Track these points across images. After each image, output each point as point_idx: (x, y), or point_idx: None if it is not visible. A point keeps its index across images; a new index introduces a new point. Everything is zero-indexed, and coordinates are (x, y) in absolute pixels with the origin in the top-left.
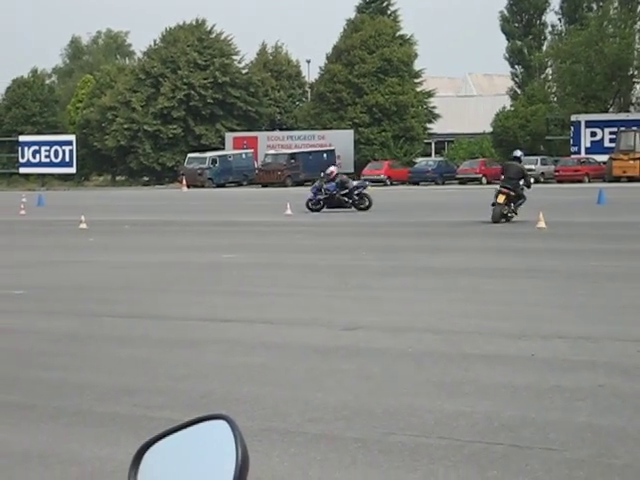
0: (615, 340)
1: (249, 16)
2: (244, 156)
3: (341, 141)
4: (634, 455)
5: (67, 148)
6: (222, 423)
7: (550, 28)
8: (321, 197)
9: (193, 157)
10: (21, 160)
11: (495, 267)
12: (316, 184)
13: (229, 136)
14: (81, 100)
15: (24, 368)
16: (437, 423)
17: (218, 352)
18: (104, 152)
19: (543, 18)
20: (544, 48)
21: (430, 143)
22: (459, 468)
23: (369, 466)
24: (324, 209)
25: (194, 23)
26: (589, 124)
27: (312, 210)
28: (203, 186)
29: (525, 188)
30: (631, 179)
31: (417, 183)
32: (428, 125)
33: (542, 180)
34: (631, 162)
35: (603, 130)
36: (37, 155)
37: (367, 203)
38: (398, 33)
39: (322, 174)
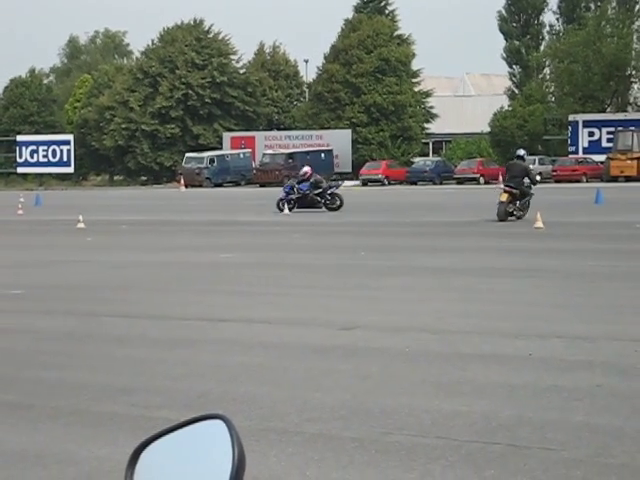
0: (612, 340)
1: (247, 16)
2: (242, 156)
3: (339, 141)
4: (631, 454)
5: (65, 148)
6: (219, 423)
7: (548, 28)
8: (293, 197)
9: (191, 157)
10: (19, 160)
11: (492, 267)
12: (288, 183)
13: (227, 136)
14: (79, 100)
15: (21, 368)
16: (434, 423)
17: (216, 352)
18: (102, 152)
19: (541, 18)
20: (542, 48)
21: (428, 143)
22: (456, 468)
23: (366, 466)
24: (295, 209)
25: (192, 23)
26: (587, 124)
27: (282, 210)
28: (201, 186)
29: (532, 186)
30: (629, 179)
31: (415, 183)
32: (426, 125)
33: (540, 180)
34: (629, 162)
35: (601, 130)
36: (35, 155)
37: (338, 203)
38: (396, 33)
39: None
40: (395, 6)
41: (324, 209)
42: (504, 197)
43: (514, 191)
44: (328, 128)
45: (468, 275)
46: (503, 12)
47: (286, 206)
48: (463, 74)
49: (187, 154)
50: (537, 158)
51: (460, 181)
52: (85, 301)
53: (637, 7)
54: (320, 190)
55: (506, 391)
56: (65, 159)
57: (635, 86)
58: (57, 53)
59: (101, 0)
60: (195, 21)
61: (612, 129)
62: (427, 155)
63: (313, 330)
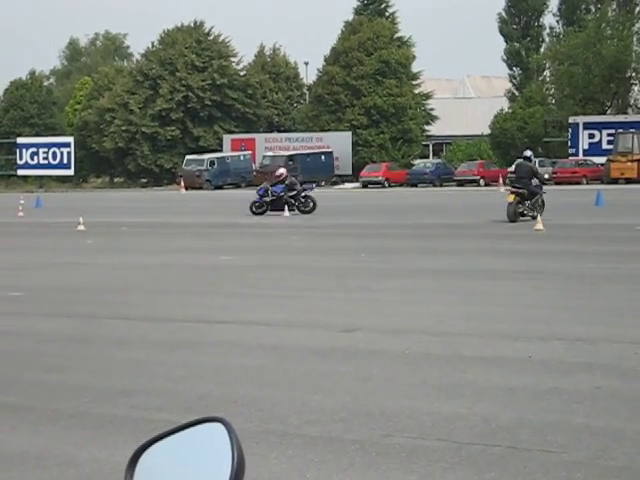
0: (612, 342)
1: (247, 18)
2: (242, 158)
3: (339, 143)
4: (631, 457)
5: (65, 150)
6: (218, 426)
7: (548, 30)
8: (267, 199)
9: (191, 159)
10: (19, 162)
11: (493, 269)
12: (262, 186)
13: (227, 138)
14: (79, 102)
15: (22, 370)
16: (435, 425)
17: (216, 354)
18: (102, 154)
19: (541, 20)
20: (542, 50)
21: (428, 145)
22: (457, 470)
23: (367, 468)
24: (268, 212)
25: (192, 25)
26: (587, 126)
27: (255, 214)
28: (201, 188)
29: (542, 186)
30: (629, 181)
31: (415, 185)
32: (426, 127)
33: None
34: (629, 164)
35: (601, 132)
36: (35, 157)
37: (311, 205)
38: (396, 35)
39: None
40: (395, 8)
41: (297, 212)
42: (511, 198)
43: (521, 191)
44: (328, 130)
45: (468, 277)
46: (503, 14)
47: (260, 209)
48: (463, 76)
49: (187, 156)
50: (537, 160)
51: (460, 183)
52: (85, 303)
53: (637, 9)
54: (294, 192)
55: (506, 393)
56: (65, 161)
57: (635, 88)
58: (57, 55)
59: (101, 2)
60: (195, 23)
61: (612, 131)
62: (427, 157)
63: (313, 332)
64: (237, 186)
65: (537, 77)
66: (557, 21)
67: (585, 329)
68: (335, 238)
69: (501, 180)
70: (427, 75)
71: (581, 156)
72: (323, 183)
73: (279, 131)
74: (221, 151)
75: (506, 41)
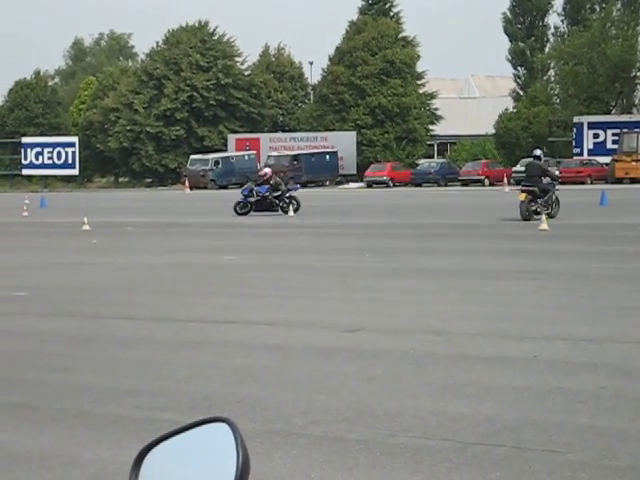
0: (617, 342)
1: (252, 18)
2: (247, 158)
3: (344, 143)
4: (636, 456)
5: (70, 150)
6: (223, 426)
7: (553, 30)
8: (252, 200)
9: (196, 159)
10: (24, 162)
11: (497, 269)
12: (247, 186)
13: (232, 138)
14: (84, 102)
15: (26, 370)
16: (439, 425)
17: (220, 354)
18: (107, 154)
19: (546, 20)
20: (547, 50)
21: (433, 145)
22: (461, 470)
23: (371, 468)
24: (251, 212)
25: (197, 25)
26: (592, 126)
27: (239, 214)
28: (206, 187)
29: (554, 183)
30: (634, 180)
31: (420, 185)
32: (431, 127)
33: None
34: (634, 163)
35: (606, 132)
36: (40, 157)
37: (295, 206)
38: (401, 35)
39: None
40: (400, 8)
41: (280, 212)
42: (522, 197)
43: (531, 189)
44: (333, 130)
45: (473, 277)
46: (508, 14)
47: (243, 210)
48: (468, 76)
49: (192, 156)
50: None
51: (465, 183)
52: (90, 303)
53: None
54: (279, 193)
55: (511, 393)
56: (70, 161)
57: None
58: (62, 55)
59: (106, 2)
60: (200, 23)
61: (617, 131)
62: (432, 157)
63: (317, 332)
64: (242, 186)
65: (542, 77)
66: (562, 21)
67: (589, 329)
68: (339, 238)
69: (506, 180)
70: (432, 75)
71: (586, 156)
72: (328, 183)
73: (284, 131)
74: (226, 151)
75: (511, 41)
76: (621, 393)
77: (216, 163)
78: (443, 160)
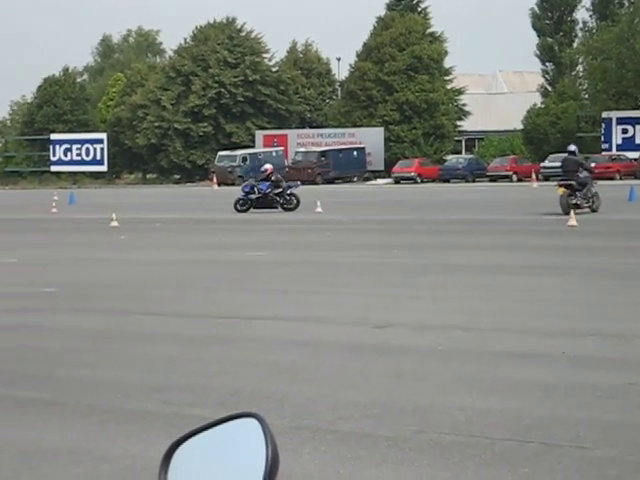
0: None
1: (279, 14)
2: (274, 154)
3: (371, 139)
4: None
5: (98, 146)
6: (252, 421)
7: (581, 25)
8: (253, 196)
9: (224, 155)
10: (53, 158)
11: (525, 265)
12: (248, 183)
13: (259, 134)
14: (112, 98)
15: (55, 366)
16: (467, 421)
17: (248, 349)
18: (135, 150)
19: (574, 15)
20: (575, 45)
21: (460, 140)
22: (490, 466)
23: (400, 464)
24: (251, 209)
25: (224, 21)
26: (620, 121)
27: (240, 211)
28: (234, 184)
29: (591, 177)
30: None
31: (447, 181)
32: (458, 122)
33: None
34: None
35: (634, 127)
36: (69, 153)
37: (295, 203)
38: (428, 30)
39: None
40: (427, 3)
41: (280, 209)
42: (561, 191)
43: (569, 183)
44: (360, 126)
45: (501, 273)
46: (536, 9)
47: (243, 207)
48: (496, 71)
49: (220, 152)
50: None
51: (493, 178)
52: (118, 299)
53: None
54: (280, 190)
55: (539, 389)
56: (98, 157)
57: None
58: (90, 52)
59: None
60: (227, 19)
61: None
62: (460, 153)
63: (346, 328)
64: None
65: (570, 72)
66: (590, 15)
67: (618, 325)
68: (367, 234)
69: (534, 175)
70: (459, 70)
71: (614, 151)
72: (355, 179)
73: (311, 127)
74: (253, 147)
75: (539, 36)
76: None
77: (244, 159)
78: (471, 156)
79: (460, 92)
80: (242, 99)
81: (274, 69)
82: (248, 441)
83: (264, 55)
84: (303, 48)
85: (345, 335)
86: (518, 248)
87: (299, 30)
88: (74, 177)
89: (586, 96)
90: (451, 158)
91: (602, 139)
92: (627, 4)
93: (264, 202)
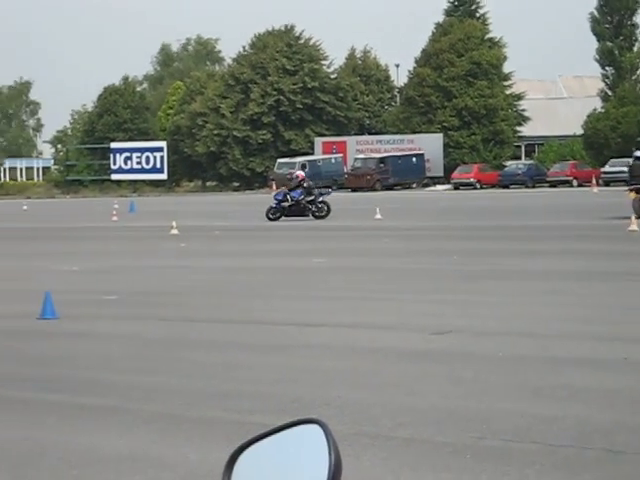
0: None
1: (338, 21)
2: (333, 161)
3: (430, 145)
4: None
5: (158, 154)
6: (315, 427)
7: None
8: (286, 205)
9: (283, 162)
10: (113, 167)
11: (587, 270)
12: (280, 191)
13: (318, 141)
14: (171, 107)
15: (117, 373)
16: (529, 427)
17: (307, 356)
18: (194, 158)
19: (634, 19)
20: (635, 49)
21: (520, 146)
22: (551, 473)
23: (461, 471)
24: (282, 218)
25: (283, 29)
26: None
27: (271, 220)
28: None
29: None
30: None
31: (507, 186)
32: (518, 128)
33: None
34: None
35: None
36: (129, 162)
37: (326, 210)
38: (487, 36)
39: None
40: (486, 9)
41: (311, 217)
42: (632, 195)
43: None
44: (419, 132)
45: (561, 279)
46: (595, 13)
47: (275, 215)
48: (555, 76)
49: (279, 159)
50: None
51: (553, 184)
52: (178, 306)
53: None
54: (312, 197)
55: (602, 395)
56: (158, 166)
57: None
58: (150, 61)
59: (193, 8)
60: (286, 27)
61: None
62: (519, 158)
63: (405, 334)
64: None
65: (630, 76)
66: None
67: None
68: (427, 240)
69: (594, 180)
70: (519, 76)
71: None
72: (414, 185)
73: (370, 133)
74: (312, 154)
75: (598, 40)
76: None
77: (303, 166)
78: (531, 161)
79: (519, 97)
80: (301, 106)
81: (333, 76)
82: (311, 447)
83: (323, 62)
84: (362, 55)
85: (404, 341)
86: (579, 253)
87: (358, 37)
88: (134, 185)
89: None
90: (511, 164)
91: None
92: None
93: (296, 210)
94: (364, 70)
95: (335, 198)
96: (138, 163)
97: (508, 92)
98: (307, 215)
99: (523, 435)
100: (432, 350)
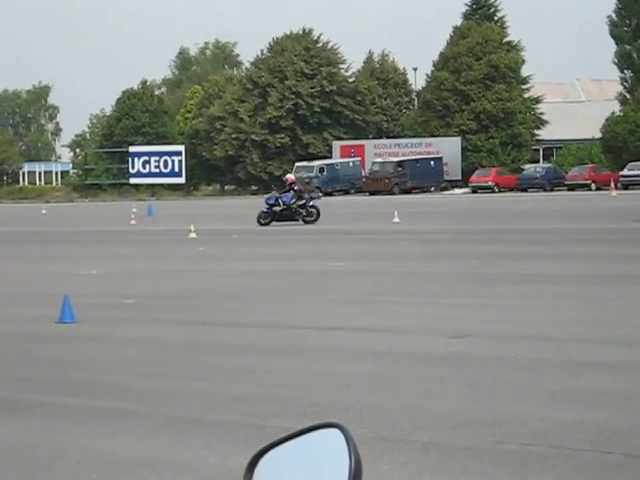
0: None
1: (356, 25)
2: (351, 164)
3: (448, 148)
4: None
5: (176, 158)
6: (335, 431)
7: None
8: (278, 209)
9: (301, 166)
10: (131, 170)
11: (607, 274)
12: (271, 195)
13: (336, 144)
14: (190, 110)
15: (135, 376)
16: (548, 432)
17: (326, 360)
18: (213, 162)
19: None
20: None
21: (538, 149)
22: (570, 477)
23: (480, 475)
24: (273, 222)
25: (301, 32)
26: None
27: (262, 224)
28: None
29: None
30: None
31: (525, 190)
32: (536, 131)
33: None
34: None
35: None
36: (147, 165)
37: (315, 215)
38: (505, 39)
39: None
40: (504, 12)
41: (301, 222)
42: None
43: None
44: (437, 136)
45: (581, 282)
46: (614, 16)
47: (266, 220)
48: (573, 80)
49: (297, 163)
50: None
51: (571, 187)
52: (197, 310)
53: None
54: (303, 201)
55: (621, 400)
56: (176, 169)
57: None
58: (168, 65)
59: (211, 12)
60: (304, 31)
61: None
62: (537, 162)
63: (424, 338)
64: (346, 192)
65: None
66: None
67: None
68: (445, 244)
69: (613, 184)
70: (537, 79)
71: None
72: (432, 189)
73: (388, 137)
74: (330, 158)
75: (617, 43)
76: None
77: (321, 170)
78: (549, 165)
79: (538, 101)
80: (319, 110)
81: (351, 80)
82: (331, 451)
83: (341, 66)
84: (380, 58)
85: (423, 345)
86: (599, 257)
87: (375, 41)
88: (152, 189)
89: None
90: (529, 167)
91: None
92: None
93: (287, 214)
94: (382, 74)
95: (353, 202)
96: (156, 167)
97: (526, 95)
98: (297, 220)
99: (541, 439)
100: (450, 354)
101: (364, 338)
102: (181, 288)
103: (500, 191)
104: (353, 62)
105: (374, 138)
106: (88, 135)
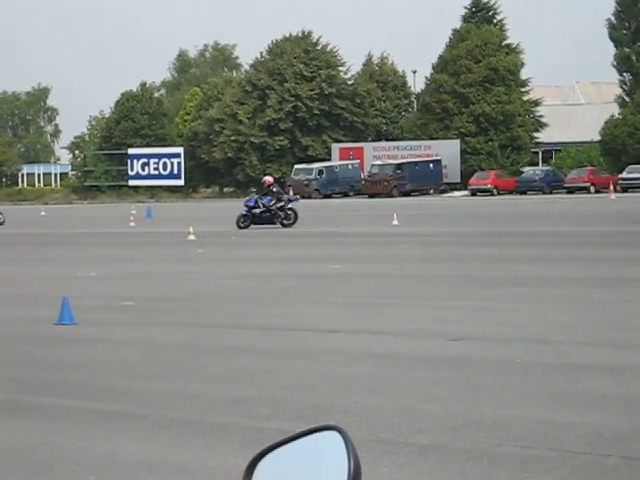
0: None
1: (355, 27)
2: (350, 167)
3: (447, 151)
4: None
5: (175, 160)
6: (334, 434)
7: None
8: (257, 211)
9: (300, 168)
10: (130, 173)
11: (607, 277)
12: (251, 197)
13: (335, 147)
14: (189, 113)
15: (134, 378)
16: (546, 434)
17: (325, 362)
18: (212, 164)
19: None
20: None
21: (537, 152)
22: None
23: (478, 477)
24: (252, 226)
25: (300, 35)
26: None
27: (241, 228)
28: (310, 197)
29: None
30: None
31: (524, 192)
32: (535, 134)
33: None
34: None
35: None
36: (146, 167)
37: (293, 218)
38: (504, 42)
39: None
40: (503, 15)
41: (278, 225)
42: None
43: None
44: (436, 138)
45: (580, 285)
46: (613, 19)
47: (245, 223)
48: (573, 82)
49: (296, 166)
50: None
51: (570, 190)
52: (196, 312)
53: None
54: (282, 204)
55: (620, 402)
56: (175, 172)
57: None
58: (167, 67)
59: (210, 14)
60: (303, 33)
61: None
62: (536, 164)
63: (423, 341)
64: (346, 195)
65: None
66: None
67: None
68: (444, 246)
69: (612, 187)
70: (536, 82)
71: None
72: (431, 191)
73: (387, 140)
74: (330, 160)
75: (616, 46)
76: None
77: (320, 172)
78: (548, 167)
79: (537, 103)
80: (318, 112)
81: (350, 82)
82: (330, 454)
83: (340, 68)
84: (379, 61)
85: (422, 348)
86: (598, 260)
87: (375, 43)
88: (151, 191)
89: None
90: (528, 170)
91: None
92: None
93: (266, 217)
94: (381, 76)
95: (352, 204)
96: (155, 169)
97: (525, 98)
98: (275, 223)
99: (540, 442)
100: (449, 356)
101: (363, 341)
102: (180, 290)
103: (499, 194)
104: (352, 65)
105: (373, 140)
106: (87, 137)
